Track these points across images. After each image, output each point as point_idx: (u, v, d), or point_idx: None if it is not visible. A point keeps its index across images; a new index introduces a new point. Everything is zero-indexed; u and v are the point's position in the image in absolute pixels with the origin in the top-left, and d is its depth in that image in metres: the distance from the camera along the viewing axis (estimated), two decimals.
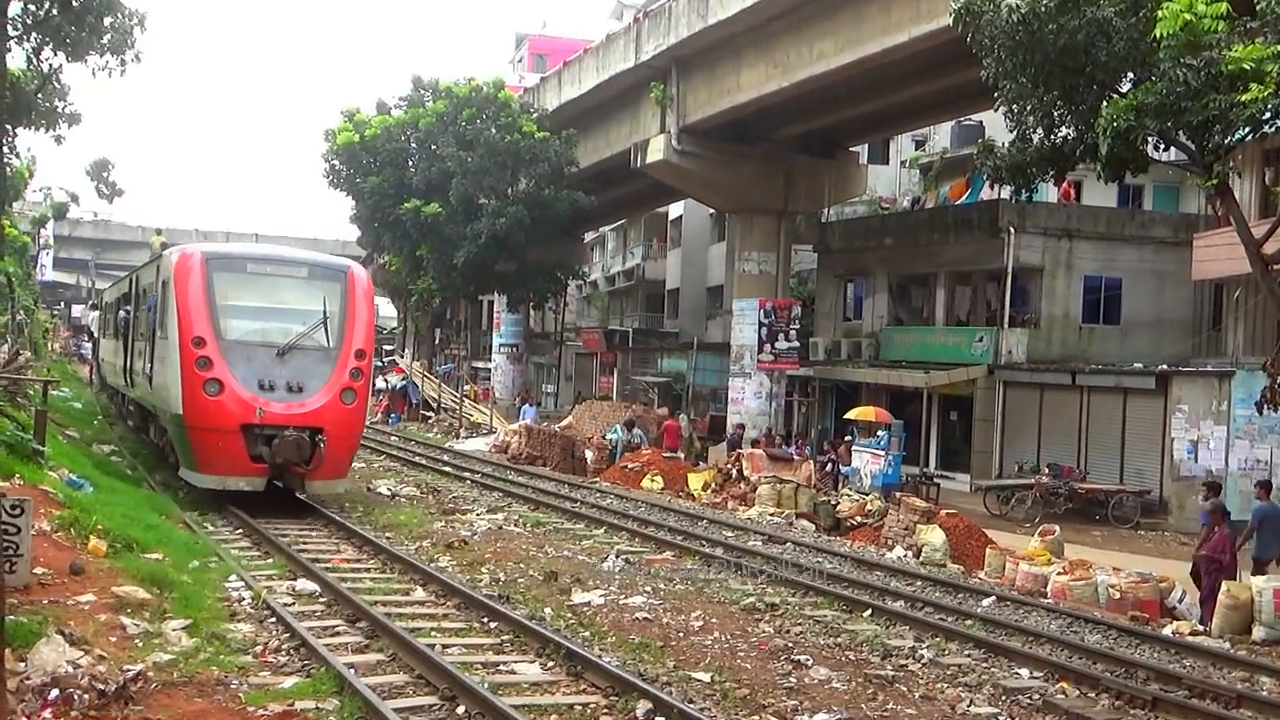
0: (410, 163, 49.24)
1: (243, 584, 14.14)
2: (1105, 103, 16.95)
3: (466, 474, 29.97)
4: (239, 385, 19.28)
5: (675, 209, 58.07)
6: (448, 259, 46.59)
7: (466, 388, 52.77)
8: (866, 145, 44.26)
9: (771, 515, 25.17)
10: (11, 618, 9.45)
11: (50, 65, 26.70)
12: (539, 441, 34.69)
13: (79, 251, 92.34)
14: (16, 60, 26.49)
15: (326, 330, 20.19)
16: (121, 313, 27.65)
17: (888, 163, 49.11)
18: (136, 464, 25.85)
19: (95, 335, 52.07)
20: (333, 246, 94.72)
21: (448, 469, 31.13)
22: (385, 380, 55.42)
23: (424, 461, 33.03)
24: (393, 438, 41.72)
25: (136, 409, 27.57)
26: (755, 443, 33.08)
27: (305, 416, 19.50)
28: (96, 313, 54.00)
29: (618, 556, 18.33)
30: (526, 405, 42.01)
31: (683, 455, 33.75)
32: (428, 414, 48.35)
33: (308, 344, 20.02)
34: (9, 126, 27.95)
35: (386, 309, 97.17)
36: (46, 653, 9.31)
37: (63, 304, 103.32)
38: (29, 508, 11.18)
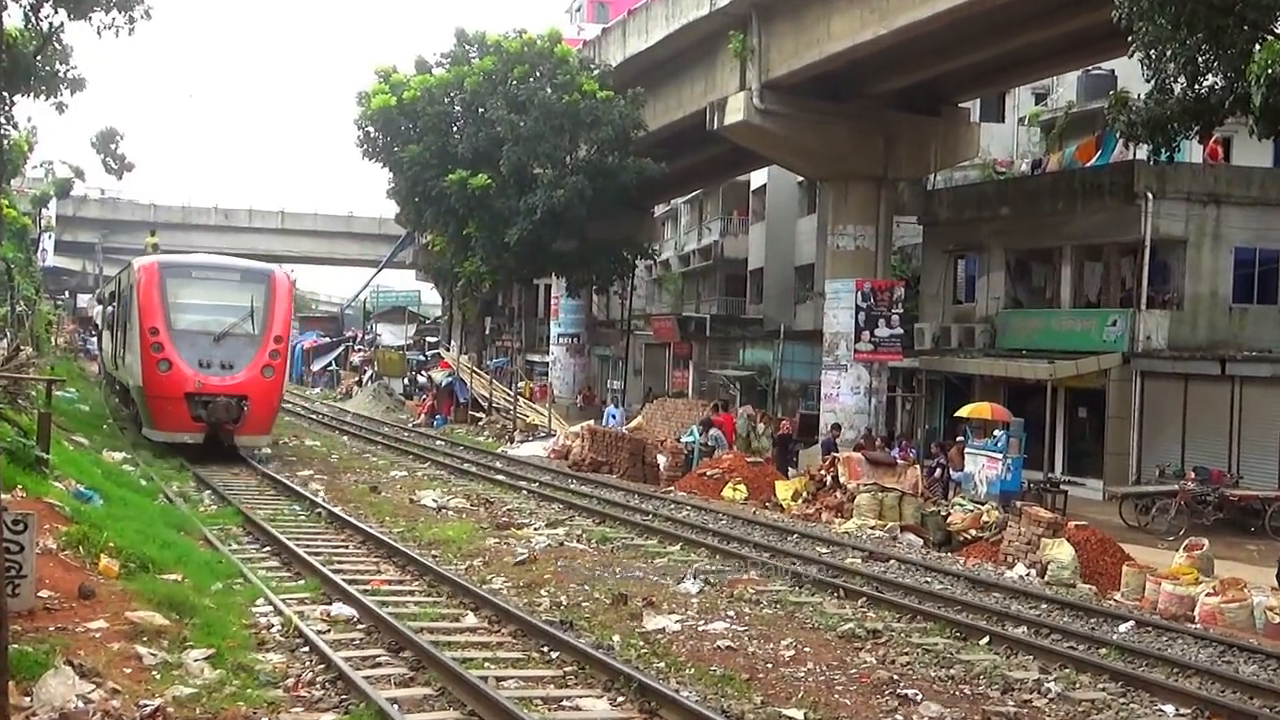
0: (455, 128, 49.54)
1: (272, 608, 14.34)
2: (1259, 46, 16.61)
3: (522, 483, 30.15)
4: (184, 364, 30.69)
5: (758, 177, 57.92)
6: (498, 237, 46.83)
7: (521, 385, 53.12)
8: (978, 100, 43.85)
9: (872, 529, 25.07)
10: (15, 646, 9.59)
11: (50, 24, 27.08)
12: (604, 446, 34.79)
13: (84, 234, 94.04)
14: (13, 18, 26.88)
15: (252, 321, 31.63)
16: (109, 308, 39.64)
17: (1003, 120, 48.64)
18: (151, 473, 26.31)
19: (100, 328, 53.96)
20: (367, 225, 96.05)
21: (501, 478, 31.35)
22: (428, 377, 55.91)
23: (474, 469, 33.29)
24: (438, 442, 42.07)
25: (121, 387, 37.92)
26: (853, 445, 32.96)
27: (233, 387, 30.80)
28: (101, 305, 54.86)
29: (696, 576, 18.37)
30: (610, 407, 41.82)
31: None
32: (477, 415, 48.69)
33: (237, 332, 31.41)
34: (6, 93, 28.43)
35: (430, 296, 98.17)
36: (54, 685, 9.43)
37: (67, 293, 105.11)
38: (33, 523, 11.34)
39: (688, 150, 47.46)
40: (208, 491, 25.31)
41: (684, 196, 64.93)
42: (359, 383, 67.10)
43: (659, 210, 65.84)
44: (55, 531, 14.52)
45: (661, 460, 33.55)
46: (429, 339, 79.65)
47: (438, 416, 50.10)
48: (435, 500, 26.02)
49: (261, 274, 33.23)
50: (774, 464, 32.66)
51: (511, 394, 49.24)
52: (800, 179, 51.84)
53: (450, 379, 51.79)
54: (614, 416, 41.67)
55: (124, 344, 33.83)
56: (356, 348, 79.76)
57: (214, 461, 30.28)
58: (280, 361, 31.75)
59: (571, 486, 30.26)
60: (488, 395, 50.34)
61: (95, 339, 74.88)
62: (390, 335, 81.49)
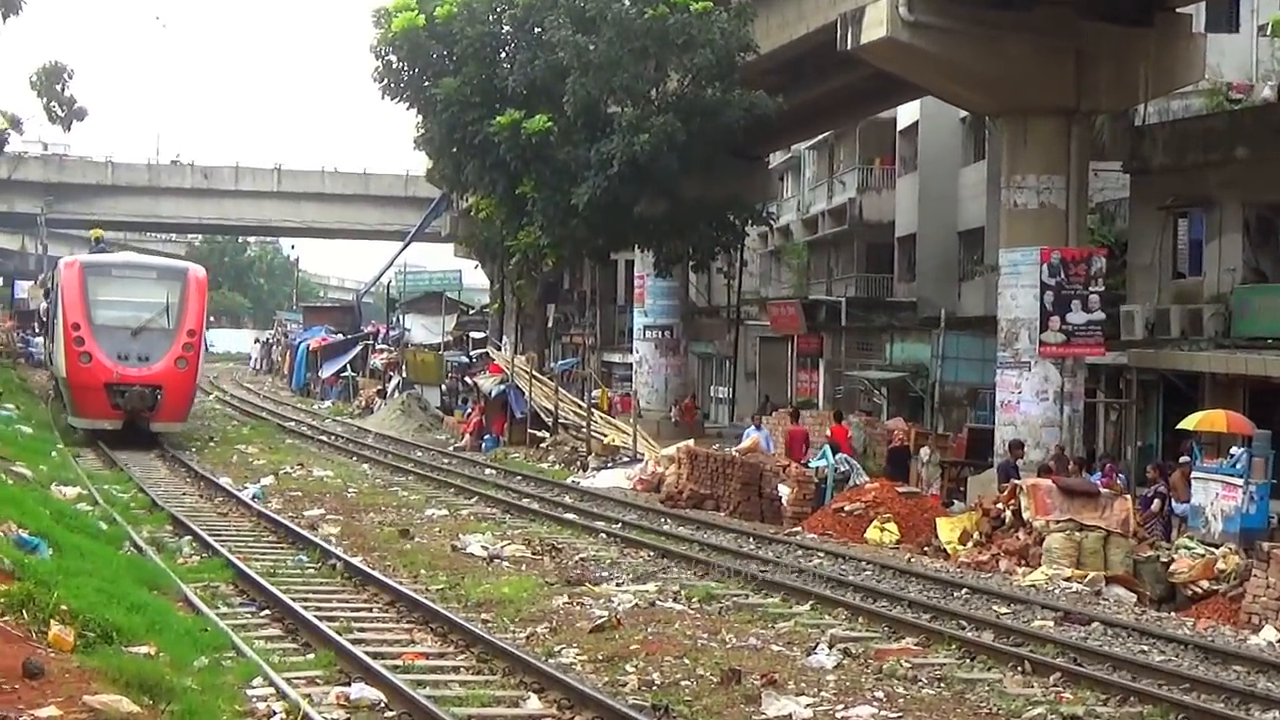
0: (503, 55, 49.76)
1: (273, 690, 14.45)
2: None
3: (599, 524, 30.23)
4: (103, 356, 43.63)
5: (907, 113, 57.61)
6: (562, 198, 46.97)
7: (596, 394, 53.23)
8: (1203, 5, 43.29)
9: (1067, 580, 24.87)
10: None
11: None
12: (708, 473, 34.77)
13: (23, 202, 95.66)
14: None
15: (168, 317, 44.99)
16: (44, 304, 54.24)
17: (1236, 29, 47.93)
18: (115, 514, 26.66)
19: (47, 322, 57.85)
20: (390, 185, 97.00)
21: (571, 517, 31.48)
22: (473, 385, 56.18)
23: (535, 506, 33.44)
24: (488, 471, 42.31)
25: (56, 381, 50.83)
26: (1039, 469, 32.63)
27: (149, 377, 43.85)
28: (51, 291, 56.81)
29: (832, 646, 18.33)
30: (753, 428, 40.67)
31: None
32: (539, 434, 48.87)
33: (153, 326, 44.62)
34: None
35: (474, 278, 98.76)
36: None
37: (0, 280, 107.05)
38: None
39: (812, 79, 47.26)
40: (187, 537, 25.64)
41: (808, 141, 64.71)
42: (382, 393, 67.68)
43: (775, 160, 65.69)
44: None
45: (784, 492, 33.47)
46: (473, 334, 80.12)
47: (487, 437, 50.37)
48: (485, 547, 26.12)
49: (178, 271, 49.33)
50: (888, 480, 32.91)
51: (584, 406, 49.37)
52: (964, 114, 51.44)
53: (502, 387, 51.97)
54: (754, 436, 38.68)
55: (52, 338, 49.80)
56: (378, 347, 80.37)
57: (195, 498, 31.76)
58: (193, 354, 45.88)
59: (665, 527, 30.27)
60: (552, 408, 50.49)
61: (39, 338, 76.15)
62: (423, 330, 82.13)
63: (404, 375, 67.59)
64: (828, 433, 38.01)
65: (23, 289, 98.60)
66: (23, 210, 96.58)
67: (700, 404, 58.94)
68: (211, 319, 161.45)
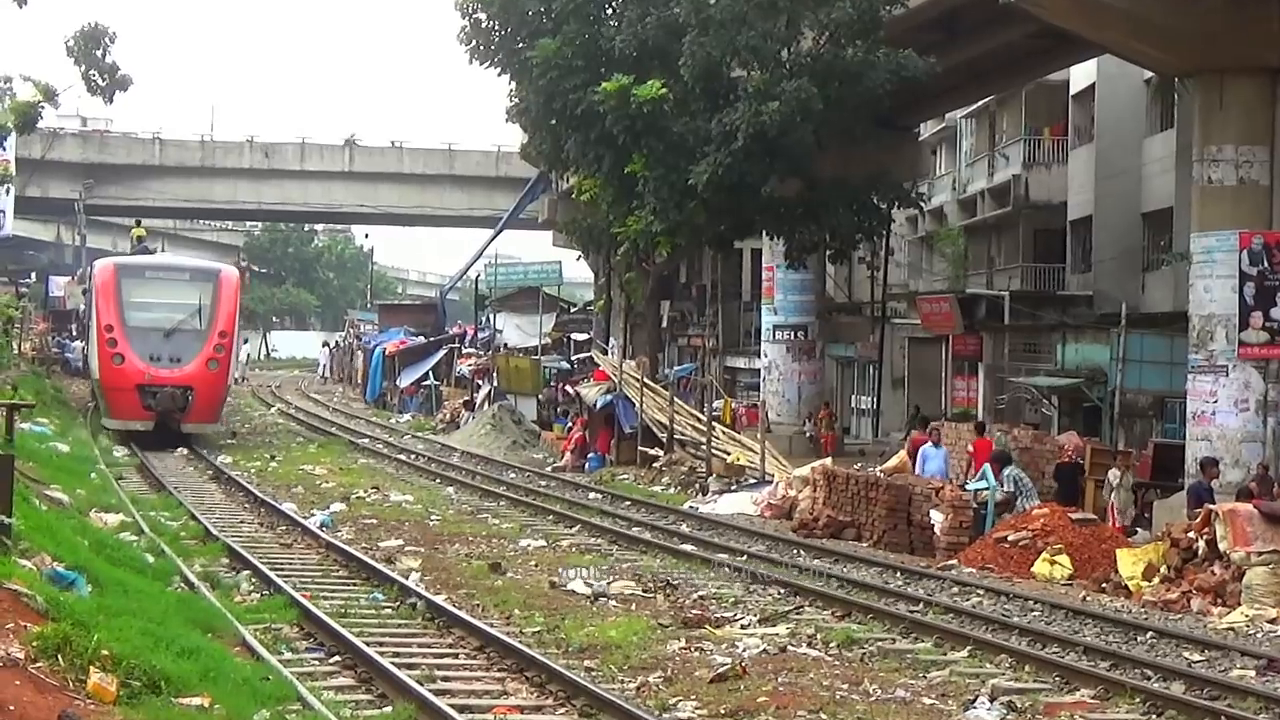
0: (610, 10, 49.84)
1: None
2: None
3: (722, 556, 30.23)
4: (135, 357, 50.71)
5: (1081, 75, 57.23)
6: (679, 177, 47.00)
7: (718, 404, 53.16)
8: None
9: (1271, 623, 24.67)
10: None
11: None
12: (849, 497, 34.67)
13: (59, 185, 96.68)
14: None
15: (199, 318, 52.02)
16: (82, 305, 63.46)
17: None
18: (163, 544, 26.96)
19: (86, 324, 62.57)
20: (478, 164, 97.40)
21: (689, 548, 31.51)
22: (575, 395, 56.27)
23: (648, 536, 33.50)
24: (592, 495, 42.39)
25: (93, 388, 57.66)
26: (1238, 492, 32.28)
27: (180, 378, 50.81)
28: (87, 293, 61.83)
29: (993, 699, 18.30)
30: (928, 445, 39.61)
31: None
32: (651, 452, 48.84)
33: (185, 327, 51.67)
34: None
35: (576, 270, 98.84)
36: None
37: (33, 275, 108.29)
38: None
39: (970, 36, 47.08)
40: (246, 572, 25.85)
41: (965, 109, 64.42)
42: (469, 405, 67.87)
43: (927, 131, 65.45)
44: (22, 633, 14.82)
45: (937, 519, 33.31)
46: (575, 336, 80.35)
47: (591, 455, 50.44)
48: (589, 583, 26.17)
49: (210, 272, 57.10)
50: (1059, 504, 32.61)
51: (703, 419, 49.33)
52: (1148, 75, 51.01)
53: (609, 398, 52.02)
54: (933, 464, 37.39)
55: (87, 339, 59.64)
56: (465, 351, 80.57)
57: (255, 527, 32.40)
58: (225, 355, 53.31)
59: (798, 560, 30.20)
60: (666, 422, 50.45)
61: (78, 342, 77.34)
62: (517, 332, 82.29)
63: (495, 384, 67.69)
64: (969, 449, 37.82)
65: (58, 285, 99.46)
66: (58, 195, 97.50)
67: (838, 416, 58.78)
68: (275, 319, 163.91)
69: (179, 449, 47.24)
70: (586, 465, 49.78)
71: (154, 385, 50.99)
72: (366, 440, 59.06)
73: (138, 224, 79.24)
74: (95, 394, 55.91)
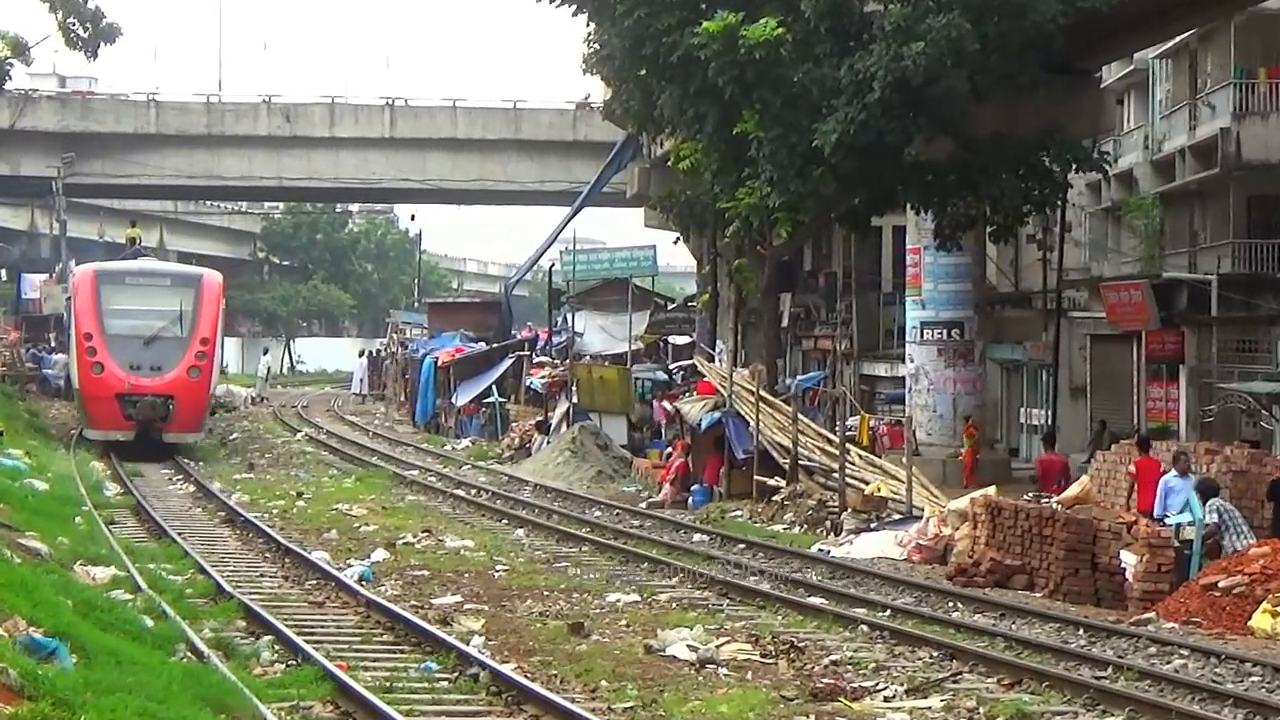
0: None
1: None
2: None
3: (859, 611, 30.23)
4: (116, 366, 61.91)
5: None
6: (801, 139, 47.00)
7: (853, 421, 52.98)
8: None
9: None
10: None
11: None
12: (1018, 534, 34.52)
13: (33, 160, 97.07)
14: None
15: (180, 325, 63.42)
16: (62, 310, 78.55)
17: None
18: (164, 602, 27.11)
19: (69, 330, 68.16)
20: (551, 125, 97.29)
21: (818, 601, 31.51)
22: (674, 412, 56.26)
23: (766, 586, 33.46)
24: (697, 536, 42.40)
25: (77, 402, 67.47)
26: None
27: (161, 386, 61.91)
28: (68, 293, 69.08)
29: None
30: (1171, 474, 37.32)
31: None
32: (770, 481, 48.81)
33: (166, 335, 63.24)
34: None
35: (673, 256, 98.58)
36: None
37: (2, 272, 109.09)
38: None
39: None
40: (267, 637, 25.92)
41: (1159, 47, 64.10)
42: (543, 426, 68.02)
43: (1110, 76, 65.10)
44: None
45: (1129, 561, 33.11)
46: (674, 340, 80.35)
47: (695, 487, 50.37)
48: (694, 647, 26.14)
49: (191, 278, 67.70)
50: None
51: (835, 441, 49.26)
52: None
53: (717, 416, 52.05)
54: (1178, 497, 35.01)
55: (68, 348, 70.86)
56: (538, 360, 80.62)
57: (278, 581, 32.82)
58: (207, 362, 63.30)
59: (955, 615, 30.15)
60: (789, 445, 50.45)
61: (58, 355, 78.63)
62: (601, 335, 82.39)
63: (574, 400, 67.74)
64: (1130, 469, 37.67)
65: (33, 285, 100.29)
66: (31, 173, 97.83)
67: (1003, 434, 58.48)
68: (301, 323, 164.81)
69: (215, 515, 46.02)
70: (690, 500, 49.78)
71: (134, 394, 61.30)
72: (415, 472, 59.36)
73: (133, 225, 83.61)
74: (76, 403, 66.83)
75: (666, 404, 59.57)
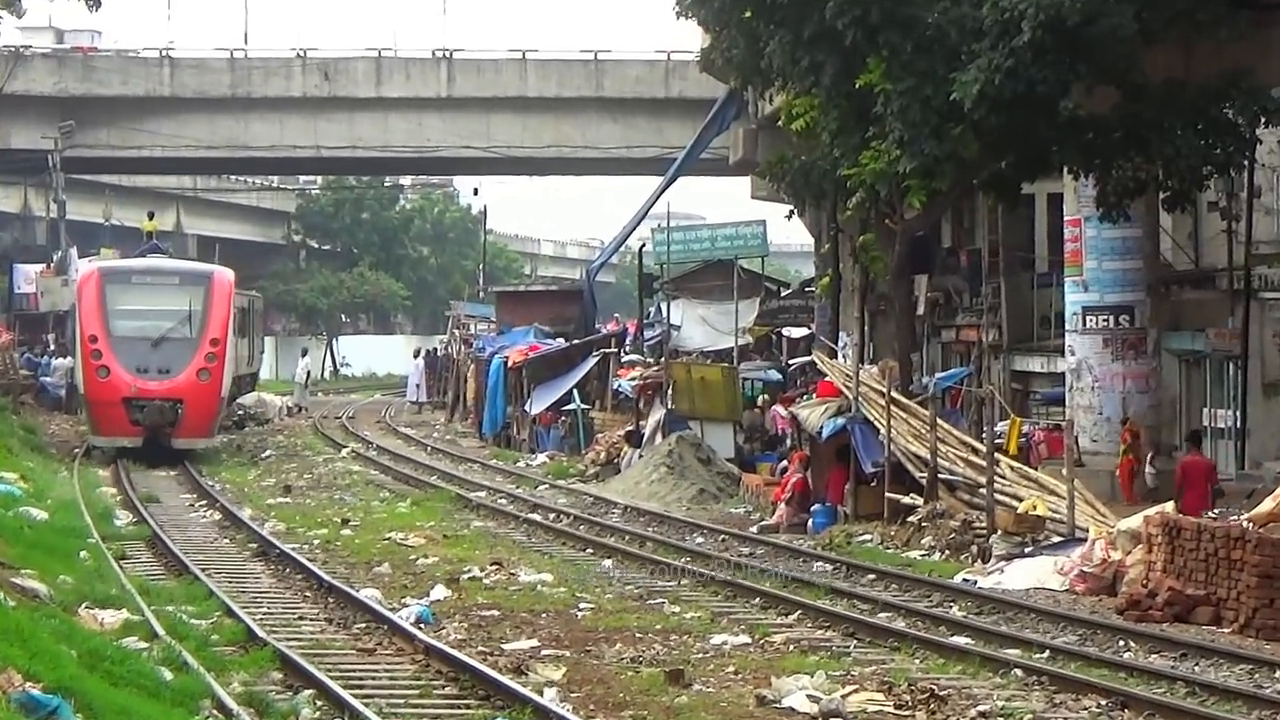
0: None
1: None
2: None
3: (1012, 651, 30.28)
4: (122, 369, 69.76)
5: None
6: (936, 91, 46.96)
7: (1002, 427, 52.82)
8: None
9: None
10: None
11: None
12: (1200, 560, 34.39)
13: (25, 130, 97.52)
14: None
15: (189, 325, 71.83)
16: (63, 306, 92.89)
17: None
18: (184, 651, 27.24)
19: (73, 333, 74.59)
20: (638, 79, 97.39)
21: (963, 641, 31.61)
22: (789, 418, 56.21)
23: (901, 624, 33.44)
24: (818, 565, 42.39)
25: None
26: None
27: (169, 390, 69.72)
28: (71, 289, 73.56)
29: None
30: None
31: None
32: (905, 500, 48.72)
33: (175, 335, 71.45)
34: None
35: (785, 234, 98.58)
36: None
37: None
38: None
39: None
40: (307, 692, 26.03)
41: None
42: (633, 437, 67.92)
43: None
44: None
45: None
46: (790, 333, 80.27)
47: (816, 507, 50.22)
48: (815, 698, 26.19)
49: (200, 276, 75.40)
50: None
51: (983, 450, 49.15)
52: None
53: (842, 422, 51.97)
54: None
55: (72, 351, 77.79)
56: (627, 359, 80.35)
57: (320, 624, 33.06)
58: (218, 364, 70.05)
59: (1126, 656, 30.08)
60: (927, 456, 50.39)
61: (60, 359, 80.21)
62: (702, 327, 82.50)
63: (671, 406, 67.74)
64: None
65: (27, 277, 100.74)
66: (24, 145, 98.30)
67: (1180, 439, 58.08)
68: (345, 319, 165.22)
69: (245, 546, 46.01)
70: (810, 523, 49.70)
71: (141, 398, 68.69)
72: (483, 493, 59.54)
73: (151, 216, 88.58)
74: (82, 407, 75.44)
75: (780, 409, 59.57)
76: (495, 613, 34.87)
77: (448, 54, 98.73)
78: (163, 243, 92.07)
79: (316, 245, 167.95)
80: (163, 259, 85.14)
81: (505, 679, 26.98)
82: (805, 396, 57.63)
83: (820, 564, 42.68)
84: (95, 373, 68.43)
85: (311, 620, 33.74)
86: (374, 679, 27.64)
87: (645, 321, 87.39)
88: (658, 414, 67.98)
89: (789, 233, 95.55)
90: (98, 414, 69.50)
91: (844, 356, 63.71)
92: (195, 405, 68.75)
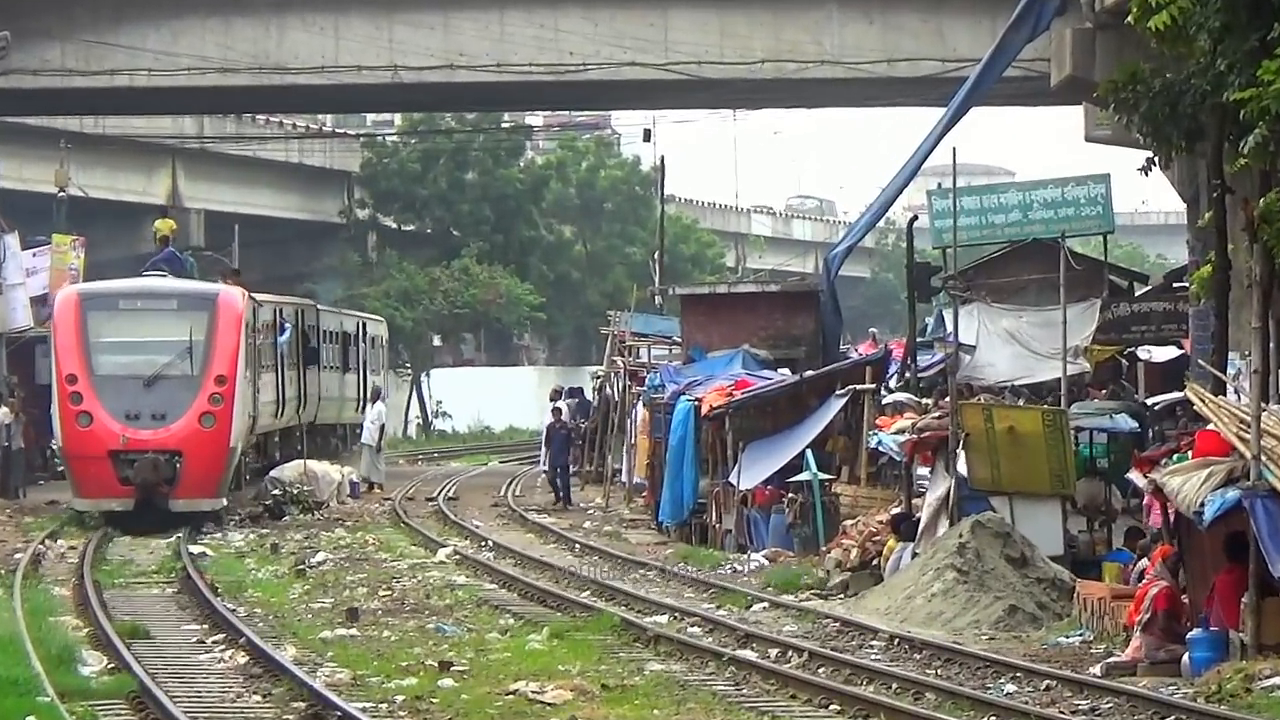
0: None
1: None
2: None
3: None
4: (107, 416, 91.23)
5: None
6: None
7: None
8: None
9: None
10: None
11: None
12: None
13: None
14: None
15: (190, 359, 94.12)
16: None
17: None
18: None
19: (51, 370, 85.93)
20: None
21: None
22: (1152, 486, 56.19)
23: None
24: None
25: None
26: None
27: (164, 440, 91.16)
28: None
29: None
30: None
31: None
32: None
33: (172, 372, 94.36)
34: None
35: (1131, 195, 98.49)
36: None
37: None
38: None
39: None
40: None
41: None
42: (902, 525, 67.79)
43: None
44: None
45: None
46: (1148, 354, 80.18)
47: (1195, 634, 49.81)
48: None
49: (202, 299, 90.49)
50: None
51: None
52: None
53: (1233, 498, 51.69)
54: None
55: (50, 397, 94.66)
56: (888, 400, 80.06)
57: None
58: (224, 407, 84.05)
59: None
60: None
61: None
62: (1009, 348, 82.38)
63: (956, 471, 67.47)
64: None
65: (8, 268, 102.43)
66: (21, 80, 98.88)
67: None
68: (438, 342, 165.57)
69: (227, 651, 45.01)
70: (1185, 658, 49.33)
71: (131, 451, 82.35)
72: (664, 618, 59.49)
73: (163, 215, 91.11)
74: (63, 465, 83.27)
75: (1138, 476, 59.17)
76: None
77: None
78: (182, 253, 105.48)
79: (393, 224, 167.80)
80: (159, 278, 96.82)
81: None
82: (1176, 456, 57.27)
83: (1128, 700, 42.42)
84: (75, 420, 79.32)
85: None
86: None
87: (919, 340, 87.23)
88: (941, 486, 67.85)
89: (1147, 194, 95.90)
90: (79, 471, 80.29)
91: (1237, 391, 63.29)
92: (197, 458, 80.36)
